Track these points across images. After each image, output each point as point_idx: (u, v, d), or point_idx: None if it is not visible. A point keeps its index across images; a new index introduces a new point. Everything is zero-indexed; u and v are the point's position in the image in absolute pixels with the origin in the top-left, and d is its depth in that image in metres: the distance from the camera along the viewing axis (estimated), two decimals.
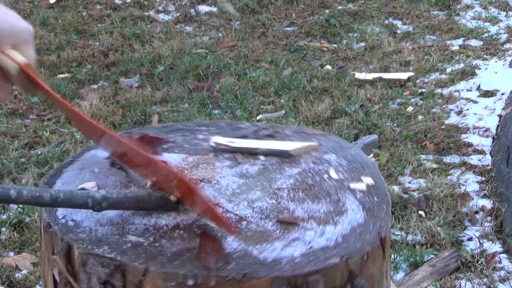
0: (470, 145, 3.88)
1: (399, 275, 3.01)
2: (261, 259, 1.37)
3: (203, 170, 1.66)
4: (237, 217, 1.50)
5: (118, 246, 1.38)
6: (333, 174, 1.66)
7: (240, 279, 1.32)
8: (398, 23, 5.42)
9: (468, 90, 4.44)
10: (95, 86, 4.55)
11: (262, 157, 1.72)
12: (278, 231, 1.46)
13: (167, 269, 1.33)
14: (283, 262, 1.37)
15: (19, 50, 1.46)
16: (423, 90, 4.46)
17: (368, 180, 1.64)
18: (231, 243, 1.41)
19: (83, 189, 1.57)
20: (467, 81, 4.55)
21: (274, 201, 1.55)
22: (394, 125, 4.06)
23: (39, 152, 3.79)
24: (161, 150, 1.73)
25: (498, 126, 3.96)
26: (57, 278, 1.44)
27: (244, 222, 1.48)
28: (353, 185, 1.64)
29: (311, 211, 1.53)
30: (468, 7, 5.65)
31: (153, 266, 1.33)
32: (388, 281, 1.56)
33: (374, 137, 3.89)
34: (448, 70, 4.71)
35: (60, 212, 1.49)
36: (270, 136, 1.79)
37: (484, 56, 4.89)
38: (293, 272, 1.34)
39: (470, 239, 3.19)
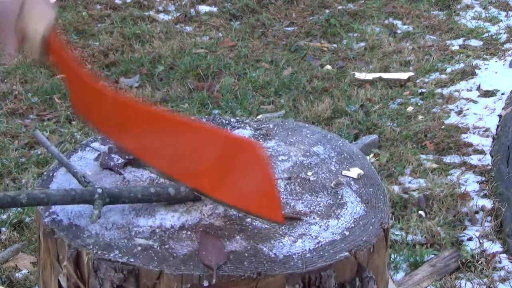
0: (470, 145, 3.88)
1: (399, 275, 3.01)
2: (273, 256, 1.37)
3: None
4: (241, 215, 1.50)
5: (128, 250, 1.38)
6: (325, 166, 1.66)
7: (255, 278, 1.32)
8: (398, 23, 5.42)
9: (468, 90, 4.44)
10: None
11: None
12: (283, 227, 1.46)
13: (183, 271, 1.32)
14: (295, 258, 1.37)
15: (36, 18, 1.39)
16: (423, 90, 4.46)
17: (360, 171, 1.64)
18: (240, 241, 1.41)
19: None
20: (467, 81, 4.55)
21: None
22: (394, 125, 4.06)
23: (39, 152, 3.79)
24: None
25: (498, 126, 3.95)
26: (63, 284, 1.43)
27: (249, 220, 1.48)
28: (345, 173, 1.64)
29: (311, 205, 1.53)
30: (468, 7, 5.65)
31: (168, 269, 1.33)
32: (388, 272, 1.56)
33: (374, 137, 3.89)
34: (448, 70, 4.70)
35: (62, 217, 1.48)
36: (266, 135, 1.78)
37: (484, 56, 4.89)
38: (306, 268, 1.34)
39: (470, 239, 3.19)
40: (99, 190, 1.47)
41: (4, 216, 3.29)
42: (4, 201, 1.42)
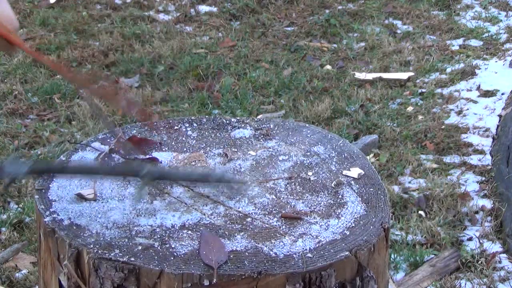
0: (470, 145, 3.88)
1: (399, 275, 3.01)
2: (273, 255, 1.37)
3: (197, 168, 1.67)
4: (241, 214, 1.50)
5: (129, 249, 1.38)
6: (326, 166, 1.66)
7: (255, 277, 1.32)
8: (398, 23, 5.42)
9: (468, 90, 4.44)
10: (95, 86, 4.54)
11: (252, 152, 1.72)
12: (283, 227, 1.46)
13: (184, 271, 1.32)
14: (295, 257, 1.37)
15: None
16: (423, 90, 4.46)
17: (360, 171, 1.64)
18: (241, 241, 1.41)
19: (80, 194, 1.56)
20: (467, 81, 4.55)
21: (274, 197, 1.55)
22: (394, 125, 4.06)
23: (39, 152, 3.79)
24: (149, 150, 1.72)
25: (498, 126, 3.95)
26: (63, 283, 1.43)
27: (249, 219, 1.48)
28: (346, 173, 1.64)
29: (312, 204, 1.53)
30: (468, 7, 5.65)
31: (169, 268, 1.33)
32: (388, 272, 1.56)
33: (374, 137, 3.89)
34: (448, 70, 4.71)
35: (63, 216, 1.48)
36: (266, 135, 1.78)
37: (484, 56, 4.89)
38: (306, 267, 1.34)
39: (470, 239, 3.19)
40: (145, 167, 1.50)
41: (4, 216, 3.29)
42: (51, 168, 1.48)
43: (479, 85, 4.47)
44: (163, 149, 1.73)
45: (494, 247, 3.12)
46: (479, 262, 3.01)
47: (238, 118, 1.86)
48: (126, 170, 1.49)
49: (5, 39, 1.46)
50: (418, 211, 3.33)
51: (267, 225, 1.46)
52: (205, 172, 1.55)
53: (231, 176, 1.55)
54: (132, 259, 1.35)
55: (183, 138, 1.77)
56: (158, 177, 1.49)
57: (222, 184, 1.54)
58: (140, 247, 1.39)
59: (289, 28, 5.35)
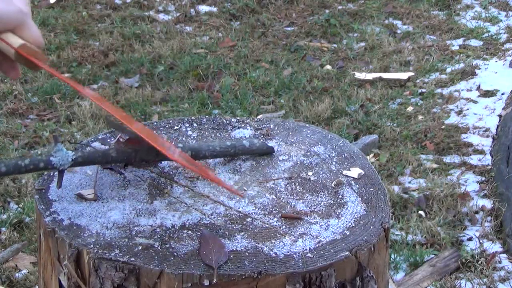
0: (470, 145, 3.89)
1: (399, 275, 3.01)
2: (273, 255, 1.37)
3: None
4: (241, 214, 1.50)
5: (129, 249, 1.38)
6: (326, 166, 1.66)
7: (255, 277, 1.32)
8: (398, 23, 5.42)
9: (468, 90, 4.44)
10: (95, 86, 4.55)
11: None
12: (284, 227, 1.46)
13: (184, 270, 1.32)
14: (295, 258, 1.37)
15: (16, 33, 1.43)
16: (423, 90, 4.46)
17: (360, 171, 1.64)
18: (241, 241, 1.41)
19: (80, 194, 1.56)
20: (467, 81, 4.55)
21: (274, 197, 1.55)
22: (394, 125, 4.06)
23: (39, 152, 3.79)
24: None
25: (498, 126, 3.96)
26: (64, 283, 1.43)
27: (249, 219, 1.48)
28: (346, 172, 1.64)
29: (312, 204, 1.53)
30: (468, 7, 5.65)
31: (169, 268, 1.33)
32: (388, 272, 1.56)
33: (374, 137, 3.89)
34: (448, 70, 4.71)
35: (63, 216, 1.48)
36: (266, 135, 1.78)
37: (484, 56, 4.89)
38: (306, 267, 1.34)
39: (470, 239, 3.19)
40: (180, 145, 1.53)
41: (4, 216, 3.29)
42: (96, 157, 1.48)
43: (479, 85, 4.47)
44: None
45: (494, 247, 3.13)
46: (479, 262, 3.02)
47: (238, 118, 1.86)
48: (161, 153, 1.50)
49: (31, 61, 1.47)
50: (418, 211, 3.33)
51: (267, 225, 1.46)
52: (236, 143, 1.61)
53: (260, 143, 1.65)
54: (132, 259, 1.35)
55: (183, 138, 1.77)
56: (192, 154, 1.53)
57: (252, 152, 1.63)
58: (140, 247, 1.38)
59: (289, 28, 5.36)
